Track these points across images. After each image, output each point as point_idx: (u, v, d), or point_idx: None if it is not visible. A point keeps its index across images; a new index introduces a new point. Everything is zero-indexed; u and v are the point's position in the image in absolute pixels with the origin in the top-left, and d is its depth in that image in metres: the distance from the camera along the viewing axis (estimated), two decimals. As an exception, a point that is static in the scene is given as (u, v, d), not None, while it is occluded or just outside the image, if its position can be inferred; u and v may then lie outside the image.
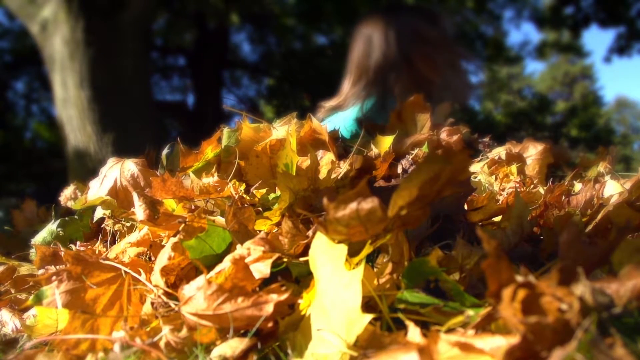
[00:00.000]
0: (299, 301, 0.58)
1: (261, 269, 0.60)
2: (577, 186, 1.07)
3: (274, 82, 9.54)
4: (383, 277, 0.58)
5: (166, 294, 0.66)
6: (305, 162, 0.92)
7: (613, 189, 0.99)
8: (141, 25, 4.33)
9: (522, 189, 0.99)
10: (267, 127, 1.10)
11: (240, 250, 0.63)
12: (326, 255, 0.55)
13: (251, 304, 0.55)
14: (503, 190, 0.99)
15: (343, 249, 0.53)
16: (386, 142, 1.07)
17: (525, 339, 0.39)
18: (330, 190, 0.77)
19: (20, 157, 8.80)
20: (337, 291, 0.52)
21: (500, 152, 1.24)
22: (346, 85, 1.76)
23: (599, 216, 0.80)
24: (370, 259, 0.65)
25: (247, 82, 9.79)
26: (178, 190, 0.81)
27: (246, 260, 0.61)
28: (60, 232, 1.08)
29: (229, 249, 0.71)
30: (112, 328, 0.67)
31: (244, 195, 0.85)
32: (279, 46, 9.04)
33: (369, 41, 1.71)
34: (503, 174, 1.09)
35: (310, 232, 0.68)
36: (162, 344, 0.56)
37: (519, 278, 0.41)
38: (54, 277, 0.68)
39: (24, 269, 1.01)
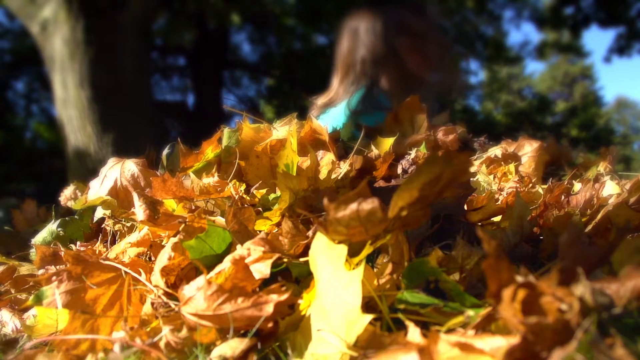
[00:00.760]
0: (299, 301, 0.58)
1: (261, 270, 0.60)
2: (577, 186, 1.07)
3: (274, 82, 9.54)
4: (383, 277, 0.58)
5: (166, 294, 0.66)
6: (306, 162, 0.92)
7: (612, 190, 0.99)
8: (141, 25, 4.33)
9: (521, 189, 0.99)
10: (267, 128, 1.10)
11: (240, 250, 0.63)
12: (326, 255, 0.55)
13: (251, 305, 0.55)
14: (502, 189, 0.99)
15: (343, 249, 0.53)
16: (387, 143, 1.08)
17: (525, 339, 0.39)
18: (330, 190, 0.77)
19: (20, 157, 8.80)
20: (337, 291, 0.52)
21: (495, 150, 1.25)
22: (335, 82, 1.76)
23: (599, 216, 0.80)
24: (370, 260, 0.65)
25: (247, 82, 9.80)
26: (178, 191, 0.81)
27: (246, 261, 0.61)
28: (61, 232, 1.08)
29: (229, 249, 0.71)
30: (112, 328, 0.67)
31: (244, 196, 0.85)
32: (279, 46, 9.04)
33: (354, 36, 1.71)
34: (501, 173, 1.09)
35: (310, 233, 0.68)
36: (162, 344, 0.56)
37: (519, 278, 0.41)
38: (54, 277, 0.68)
39: (24, 269, 1.01)
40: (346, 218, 0.51)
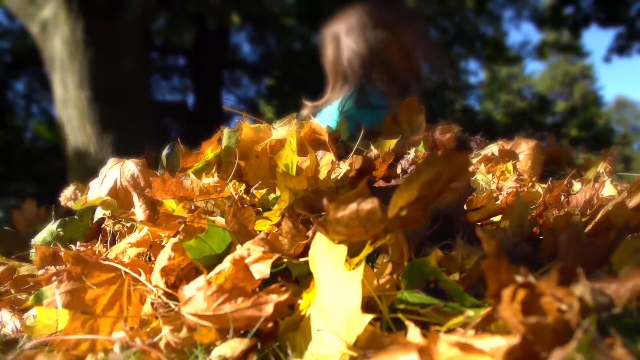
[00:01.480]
0: (299, 301, 0.58)
1: (261, 270, 0.60)
2: (577, 186, 1.07)
3: (274, 82, 9.54)
4: (383, 277, 0.58)
5: (166, 294, 0.66)
6: (305, 162, 0.92)
7: (611, 190, 0.99)
8: (141, 26, 4.33)
9: (520, 189, 0.99)
10: (267, 128, 1.10)
11: (240, 250, 0.63)
12: (326, 255, 0.55)
13: (251, 305, 0.55)
14: (501, 189, 0.99)
15: (343, 249, 0.53)
16: (389, 143, 1.08)
17: (525, 339, 0.39)
18: (330, 190, 0.77)
19: (20, 157, 8.80)
20: (337, 291, 0.52)
21: (492, 149, 1.25)
22: (328, 90, 1.78)
23: (599, 216, 0.80)
24: (370, 260, 0.65)
25: (247, 82, 9.80)
26: (178, 191, 0.81)
27: (246, 261, 0.61)
28: (61, 232, 1.08)
29: (229, 249, 0.71)
30: (112, 328, 0.67)
31: (244, 196, 0.85)
32: (279, 46, 9.04)
33: (336, 41, 1.73)
34: (499, 171, 1.09)
35: (310, 233, 0.68)
36: (162, 344, 0.56)
37: (519, 278, 0.41)
38: (54, 278, 0.68)
39: (24, 269, 1.01)
40: (346, 218, 0.51)
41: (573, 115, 13.50)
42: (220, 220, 0.74)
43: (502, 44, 9.72)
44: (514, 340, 0.39)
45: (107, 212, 1.02)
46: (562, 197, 0.94)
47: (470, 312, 0.49)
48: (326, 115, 1.69)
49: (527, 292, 0.41)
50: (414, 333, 0.46)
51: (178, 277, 0.71)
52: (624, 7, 7.66)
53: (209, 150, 1.07)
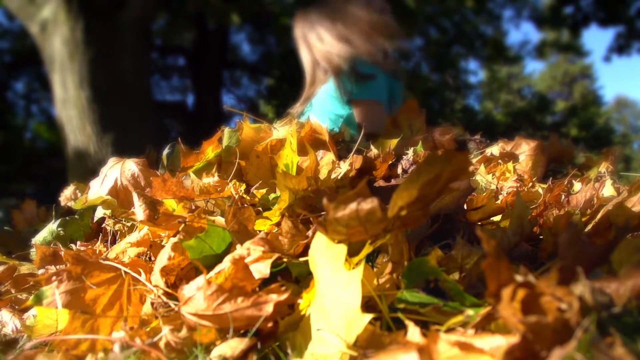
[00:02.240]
0: (299, 301, 0.58)
1: (261, 269, 0.60)
2: (577, 186, 1.07)
3: (274, 82, 9.53)
4: (383, 277, 0.58)
5: (166, 294, 0.66)
6: (306, 162, 0.92)
7: (611, 190, 0.99)
8: (141, 25, 4.33)
9: (521, 189, 0.99)
10: (267, 128, 1.10)
11: (240, 250, 0.63)
12: (326, 255, 0.55)
13: (251, 304, 0.55)
14: (501, 189, 0.99)
15: (343, 249, 0.53)
16: (390, 143, 1.08)
17: (524, 338, 0.39)
18: (330, 190, 0.77)
19: (20, 157, 8.79)
20: (336, 291, 0.52)
21: (492, 149, 1.25)
22: (307, 86, 1.83)
23: (599, 216, 0.80)
24: (370, 259, 0.65)
25: (247, 82, 9.79)
26: (178, 190, 0.81)
27: (246, 261, 0.61)
28: (61, 231, 1.08)
29: (229, 249, 0.71)
30: (112, 328, 0.67)
31: (244, 196, 0.85)
32: (278, 46, 9.03)
33: (306, 42, 1.78)
34: (500, 172, 1.09)
35: (310, 232, 0.68)
36: (162, 344, 0.56)
37: (519, 278, 0.41)
38: (54, 277, 0.68)
39: (24, 268, 1.01)
40: (345, 218, 0.51)
41: (573, 114, 13.49)
42: (220, 220, 0.74)
43: (502, 43, 9.71)
44: (513, 339, 0.39)
45: (108, 212, 1.02)
46: (563, 197, 0.94)
47: (470, 312, 0.49)
48: (322, 97, 1.72)
49: (527, 292, 0.41)
50: (413, 332, 0.46)
51: (178, 277, 0.71)
52: (623, 6, 7.65)
53: (210, 150, 1.07)
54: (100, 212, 1.06)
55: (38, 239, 1.09)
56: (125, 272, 0.71)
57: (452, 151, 0.48)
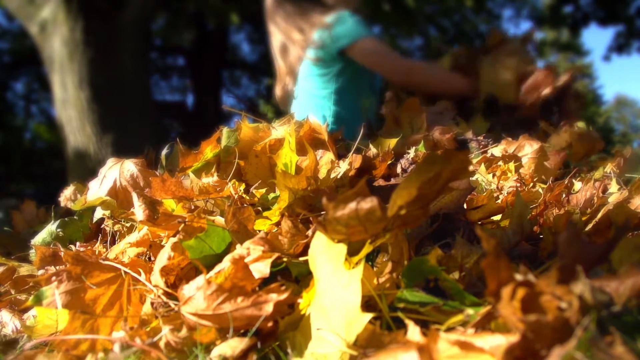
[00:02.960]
0: (299, 301, 0.58)
1: (261, 269, 0.60)
2: (577, 185, 1.07)
3: (274, 82, 9.52)
4: (383, 276, 0.58)
5: (166, 294, 0.66)
6: (305, 161, 0.92)
7: (615, 190, 0.99)
8: (140, 26, 4.32)
9: (521, 188, 0.99)
10: (266, 127, 1.10)
11: (239, 250, 0.63)
12: (326, 254, 0.55)
13: (251, 304, 0.55)
14: (502, 188, 0.99)
15: (342, 248, 0.53)
16: (390, 142, 1.08)
17: (524, 337, 0.39)
18: (329, 190, 0.77)
19: (20, 158, 8.80)
20: (336, 291, 0.52)
21: (494, 150, 1.25)
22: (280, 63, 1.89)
23: (599, 215, 0.80)
24: (370, 259, 0.65)
25: (247, 82, 9.79)
26: (177, 190, 0.81)
27: (246, 260, 0.61)
28: (60, 232, 1.08)
29: (229, 248, 0.71)
30: (112, 328, 0.67)
31: (244, 195, 0.84)
32: (278, 46, 9.01)
33: (276, 25, 1.86)
34: (500, 172, 1.09)
35: (309, 232, 0.68)
36: (162, 344, 0.56)
37: (519, 277, 0.41)
38: (53, 278, 0.68)
39: (24, 269, 1.01)
40: (345, 217, 0.51)
41: (573, 114, 13.44)
42: (219, 219, 0.74)
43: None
44: (513, 338, 0.39)
45: (107, 212, 1.02)
46: (563, 196, 0.94)
47: (470, 311, 0.49)
48: (303, 80, 1.77)
49: (527, 291, 0.41)
50: (413, 332, 0.46)
51: (178, 277, 0.71)
52: (623, 5, 7.65)
53: (208, 150, 1.07)
54: (99, 213, 1.06)
55: (37, 240, 1.09)
56: (125, 272, 0.71)
57: (451, 150, 0.48)
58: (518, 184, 1.01)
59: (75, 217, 1.11)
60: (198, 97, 8.56)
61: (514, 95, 1.59)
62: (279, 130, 1.07)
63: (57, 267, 0.79)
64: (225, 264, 0.61)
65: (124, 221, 0.99)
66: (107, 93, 4.08)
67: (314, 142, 1.06)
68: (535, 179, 1.11)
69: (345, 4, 1.77)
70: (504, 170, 1.10)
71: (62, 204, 1.29)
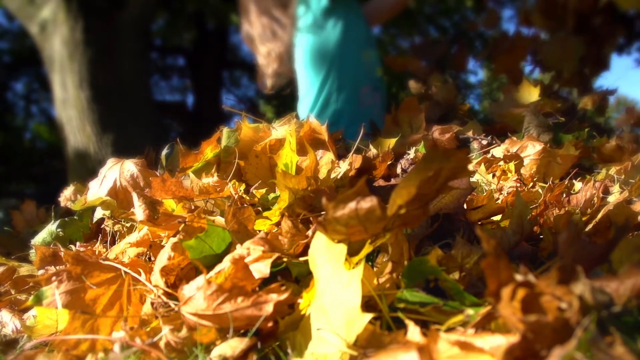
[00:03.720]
0: (299, 301, 0.58)
1: (261, 269, 0.60)
2: (577, 185, 1.07)
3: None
4: (383, 276, 0.58)
5: (166, 294, 0.66)
6: (305, 161, 0.92)
7: (617, 192, 0.99)
8: (140, 26, 4.32)
9: (521, 189, 0.99)
10: (266, 127, 1.10)
11: (239, 250, 0.63)
12: (326, 254, 0.55)
13: (251, 304, 0.55)
14: (502, 189, 0.99)
15: (343, 248, 0.53)
16: (390, 142, 1.08)
17: (524, 337, 0.39)
18: (330, 190, 0.77)
19: (20, 158, 8.79)
20: (336, 291, 0.52)
21: (495, 151, 1.24)
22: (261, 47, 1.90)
23: (599, 215, 0.80)
24: (370, 259, 0.65)
25: (247, 82, 9.77)
26: (178, 191, 0.81)
27: (246, 260, 0.61)
28: (60, 232, 1.08)
29: (229, 249, 0.71)
30: (112, 328, 0.67)
31: (244, 195, 0.84)
32: (278, 46, 9.01)
33: (247, 15, 1.94)
34: (500, 172, 1.09)
35: (309, 232, 0.68)
36: (162, 344, 0.56)
37: (519, 277, 0.41)
38: (53, 278, 0.68)
39: (24, 269, 1.01)
40: (345, 217, 0.51)
41: (573, 114, 13.45)
42: (220, 220, 0.74)
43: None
44: (513, 338, 0.39)
45: (107, 213, 1.02)
46: (563, 196, 0.94)
47: (470, 311, 0.49)
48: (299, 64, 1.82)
49: (527, 291, 0.41)
50: (413, 332, 0.46)
51: (178, 277, 0.71)
52: (623, 5, 7.64)
53: (209, 150, 1.07)
54: (99, 213, 1.06)
55: (37, 240, 1.09)
56: (125, 272, 0.71)
57: (450, 149, 0.48)
58: (518, 184, 1.01)
59: (75, 217, 1.11)
60: (198, 97, 8.56)
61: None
62: (279, 130, 1.07)
63: (57, 267, 0.79)
64: (226, 264, 0.61)
65: (124, 221, 0.99)
66: (107, 93, 4.08)
67: (314, 142, 1.06)
68: (535, 179, 1.11)
69: None
70: (504, 170, 1.10)
71: (62, 204, 1.29)
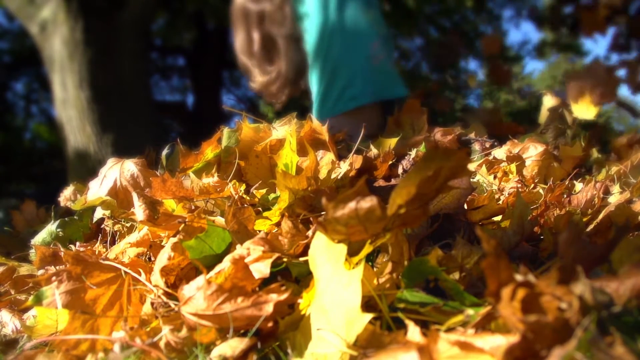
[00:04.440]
0: (299, 301, 0.58)
1: (261, 269, 0.60)
2: (578, 186, 1.07)
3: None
4: (383, 276, 0.58)
5: (166, 294, 0.66)
6: (305, 162, 0.92)
7: (617, 193, 0.99)
8: (140, 26, 4.32)
9: (522, 189, 0.99)
10: (267, 127, 1.10)
11: (240, 250, 0.63)
12: (326, 255, 0.55)
13: (251, 304, 0.55)
14: (503, 189, 0.99)
15: (343, 248, 0.53)
16: (390, 142, 1.08)
17: (524, 337, 0.39)
18: (330, 190, 0.77)
19: (20, 158, 8.79)
20: (336, 291, 0.52)
21: (496, 152, 1.24)
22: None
23: (600, 216, 0.80)
24: (370, 259, 0.65)
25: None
26: (178, 191, 0.81)
27: (246, 260, 0.61)
28: (60, 232, 1.08)
29: (229, 249, 0.71)
30: (112, 328, 0.67)
31: (244, 196, 0.84)
32: (278, 46, 9.00)
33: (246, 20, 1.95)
34: (502, 173, 1.09)
35: (310, 232, 0.68)
36: (162, 344, 0.56)
37: (519, 277, 0.41)
38: (53, 278, 0.68)
39: (24, 269, 1.01)
40: (345, 217, 0.51)
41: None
42: (220, 220, 0.74)
43: (502, 43, 9.69)
44: (513, 338, 0.39)
45: (107, 212, 1.02)
46: (564, 197, 0.94)
47: (470, 311, 0.49)
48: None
49: (527, 291, 0.41)
50: (413, 332, 0.46)
51: (178, 277, 0.71)
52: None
53: (209, 151, 1.07)
54: (99, 213, 1.06)
55: (37, 240, 1.09)
56: (125, 272, 0.71)
57: (450, 148, 0.48)
58: (519, 185, 1.01)
59: (75, 217, 1.11)
60: (198, 97, 8.55)
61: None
62: (280, 130, 1.07)
63: (57, 267, 0.79)
64: (226, 264, 0.61)
65: (124, 221, 0.99)
66: (107, 93, 4.08)
67: (315, 142, 1.06)
68: (537, 180, 1.11)
69: None
70: (505, 171, 1.10)
71: (62, 204, 1.29)
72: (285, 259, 0.65)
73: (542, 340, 0.39)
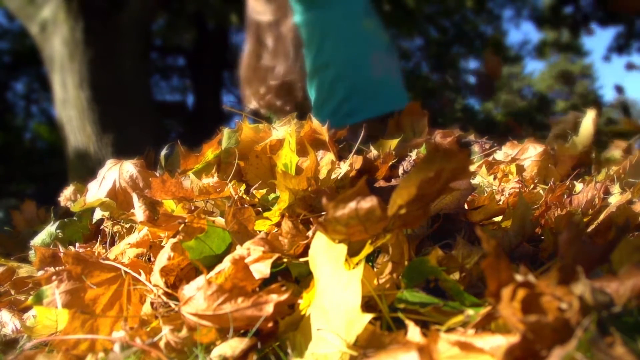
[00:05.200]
0: (299, 301, 0.58)
1: (261, 269, 0.60)
2: (579, 186, 1.07)
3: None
4: (383, 276, 0.58)
5: (166, 294, 0.66)
6: (305, 162, 0.92)
7: (617, 193, 0.99)
8: (140, 26, 4.32)
9: (523, 189, 0.99)
10: (267, 128, 1.10)
11: (240, 250, 0.63)
12: (326, 255, 0.55)
13: (251, 304, 0.55)
14: (503, 190, 0.99)
15: (343, 248, 0.53)
16: (391, 144, 1.08)
17: (525, 338, 0.39)
18: (330, 190, 0.77)
19: (20, 157, 8.79)
20: (336, 291, 0.52)
21: (496, 154, 1.24)
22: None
23: (601, 216, 0.80)
24: (370, 259, 0.65)
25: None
26: (178, 191, 0.81)
27: (246, 261, 0.61)
28: (59, 234, 1.08)
29: (229, 249, 0.71)
30: (112, 328, 0.67)
31: (244, 196, 0.84)
32: (278, 46, 9.00)
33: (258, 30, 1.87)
34: (502, 173, 1.09)
35: (310, 233, 0.68)
36: (162, 344, 0.56)
37: (519, 277, 0.41)
38: (53, 277, 0.68)
39: (23, 270, 1.01)
40: (345, 217, 0.51)
41: (573, 114, 13.43)
42: (220, 220, 0.74)
43: (502, 43, 9.71)
44: (514, 339, 0.39)
45: (106, 213, 1.02)
46: (565, 197, 0.94)
47: (470, 311, 0.49)
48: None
49: (527, 291, 0.41)
50: (414, 332, 0.46)
51: (178, 277, 0.71)
52: (623, 6, 7.65)
53: (209, 152, 1.07)
54: (98, 214, 1.06)
55: (37, 241, 1.09)
56: (125, 272, 0.71)
57: (451, 149, 0.48)
58: (519, 185, 1.00)
59: (74, 218, 1.11)
60: (198, 97, 8.55)
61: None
62: (280, 130, 1.07)
63: (57, 268, 0.79)
64: (226, 264, 0.61)
65: (123, 222, 0.99)
66: (107, 93, 4.08)
67: (315, 142, 1.06)
68: (536, 181, 1.11)
69: None
70: (505, 171, 1.10)
71: (62, 204, 1.29)
72: (285, 260, 0.65)
73: (542, 341, 0.39)
